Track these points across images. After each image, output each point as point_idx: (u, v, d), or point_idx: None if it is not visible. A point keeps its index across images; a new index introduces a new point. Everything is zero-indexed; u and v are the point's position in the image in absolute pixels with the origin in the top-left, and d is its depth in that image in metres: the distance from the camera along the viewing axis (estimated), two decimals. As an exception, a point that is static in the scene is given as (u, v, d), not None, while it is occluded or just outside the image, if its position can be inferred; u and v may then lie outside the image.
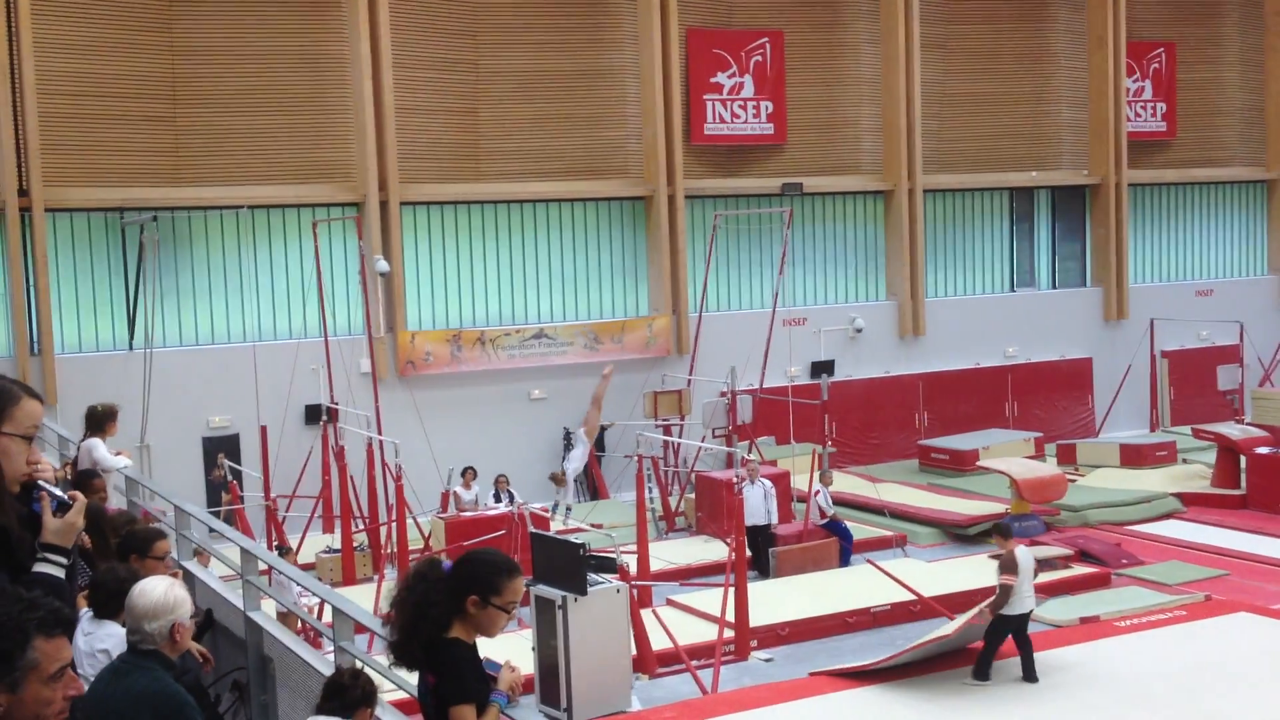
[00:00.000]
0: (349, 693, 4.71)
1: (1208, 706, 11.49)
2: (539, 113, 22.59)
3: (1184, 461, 22.37)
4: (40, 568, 3.40)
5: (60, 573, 3.43)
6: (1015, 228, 27.44)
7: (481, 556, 4.37)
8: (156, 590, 4.58)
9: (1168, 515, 19.57)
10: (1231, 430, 21.07)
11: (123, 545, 6.02)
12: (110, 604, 5.28)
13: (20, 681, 2.54)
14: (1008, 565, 12.12)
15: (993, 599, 12.12)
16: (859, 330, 24.91)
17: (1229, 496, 20.04)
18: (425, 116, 21.74)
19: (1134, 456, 22.27)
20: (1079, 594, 15.60)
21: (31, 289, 19.09)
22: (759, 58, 24.10)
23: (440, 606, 4.14)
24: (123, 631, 4.93)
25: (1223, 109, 28.96)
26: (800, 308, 24.28)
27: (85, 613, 5.38)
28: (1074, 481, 20.62)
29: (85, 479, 7.93)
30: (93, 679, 4.70)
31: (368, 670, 5.21)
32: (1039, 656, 12.46)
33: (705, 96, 23.76)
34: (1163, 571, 16.31)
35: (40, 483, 3.48)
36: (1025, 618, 12.26)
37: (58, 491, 3.50)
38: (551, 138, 22.74)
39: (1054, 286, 27.81)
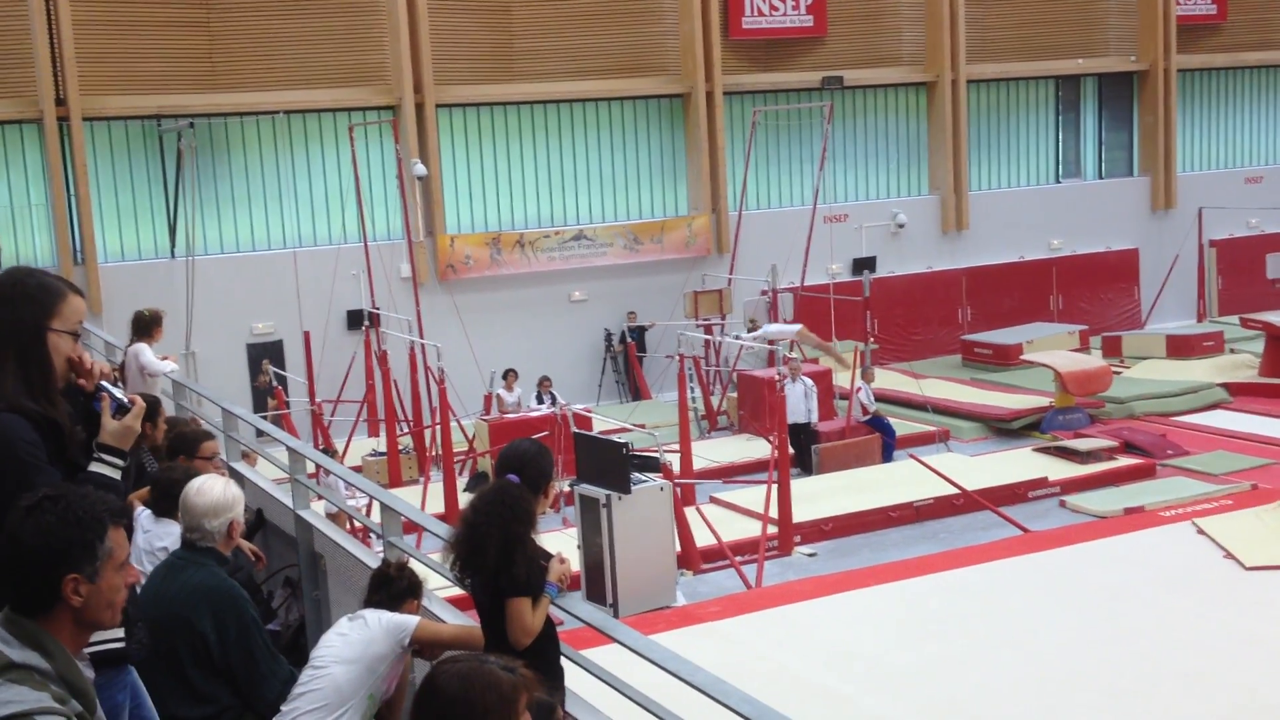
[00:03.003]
0: (395, 584, 4.76)
1: (1254, 594, 11.49)
2: (573, 10, 22.23)
3: (1231, 351, 22.11)
4: (96, 468, 3.45)
5: (116, 474, 3.47)
6: (1061, 117, 26.91)
7: (538, 453, 4.42)
8: (215, 489, 4.65)
9: (1214, 405, 19.42)
10: (1280, 319, 20.81)
11: (171, 447, 6.10)
12: (165, 502, 5.36)
13: (99, 571, 2.62)
14: None
15: None
16: (901, 225, 24.63)
17: (1276, 385, 19.83)
18: (459, 16, 21.46)
19: (1180, 347, 22.04)
20: (1124, 485, 15.59)
21: (72, 199, 19.20)
22: (797, -53, 23.55)
23: (529, 520, 4.23)
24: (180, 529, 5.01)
25: (1275, -11, 28.12)
26: (841, 204, 24.04)
27: (144, 511, 5.47)
28: (1119, 374, 20.46)
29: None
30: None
31: (418, 564, 5.27)
32: (1083, 547, 12.51)
33: (742, -11, 23.29)
34: (1208, 461, 16.23)
35: (102, 384, 3.51)
36: None
37: (119, 393, 3.51)
38: (587, 35, 22.40)
39: (1100, 177, 27.33)
